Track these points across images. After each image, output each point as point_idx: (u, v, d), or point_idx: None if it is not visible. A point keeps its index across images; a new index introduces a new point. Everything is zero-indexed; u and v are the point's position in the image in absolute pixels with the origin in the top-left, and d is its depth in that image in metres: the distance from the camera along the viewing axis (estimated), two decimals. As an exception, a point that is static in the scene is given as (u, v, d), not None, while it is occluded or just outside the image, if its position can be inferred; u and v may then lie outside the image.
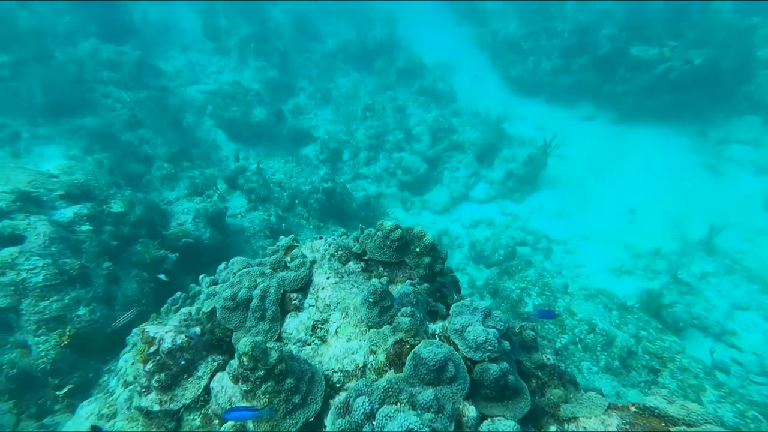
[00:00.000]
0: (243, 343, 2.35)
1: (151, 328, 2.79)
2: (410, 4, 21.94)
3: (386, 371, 2.56)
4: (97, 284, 5.42)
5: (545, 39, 16.21)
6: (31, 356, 4.73)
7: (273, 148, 12.98)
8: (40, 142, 9.69)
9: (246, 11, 17.39)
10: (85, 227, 5.81)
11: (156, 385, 2.64)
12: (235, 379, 2.45)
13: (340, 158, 13.24)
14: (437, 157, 13.68)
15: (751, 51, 13.78)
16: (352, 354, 2.78)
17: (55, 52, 11.78)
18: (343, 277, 3.44)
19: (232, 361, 2.49)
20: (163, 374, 2.64)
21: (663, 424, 2.20)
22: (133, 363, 3.03)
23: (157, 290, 6.14)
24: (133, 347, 4.01)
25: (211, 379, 2.74)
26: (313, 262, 3.56)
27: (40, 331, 4.75)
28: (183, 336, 2.74)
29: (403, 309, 2.85)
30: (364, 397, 2.15)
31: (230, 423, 2.37)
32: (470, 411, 2.31)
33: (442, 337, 2.79)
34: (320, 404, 2.50)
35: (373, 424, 2.07)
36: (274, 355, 2.38)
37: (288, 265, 3.50)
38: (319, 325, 3.09)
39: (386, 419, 2.02)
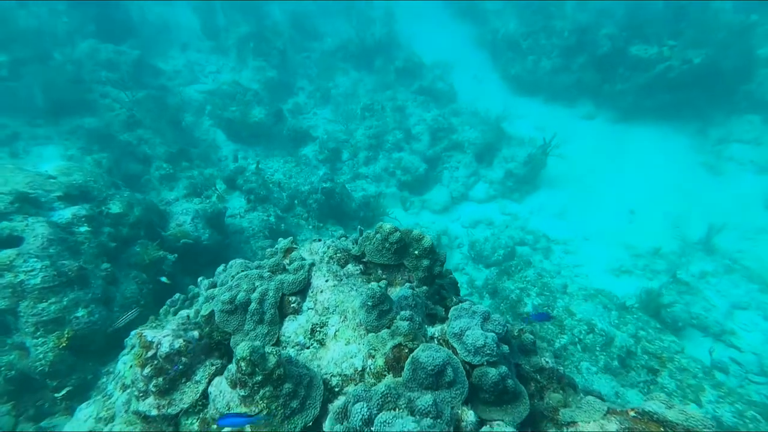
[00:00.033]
0: (241, 348, 2.34)
1: (148, 333, 2.78)
2: (409, 3, 21.89)
3: (385, 375, 2.56)
4: (96, 286, 5.41)
5: (545, 38, 16.19)
6: (29, 358, 4.73)
7: (272, 148, 12.96)
8: (39, 142, 9.68)
9: (245, 10, 17.36)
10: (84, 228, 5.80)
11: (154, 389, 2.63)
12: (233, 384, 2.45)
13: (340, 158, 13.22)
14: (437, 157, 13.66)
15: (751, 49, 13.77)
16: (351, 358, 2.77)
17: (54, 52, 11.76)
18: (341, 279, 3.43)
19: (230, 366, 2.49)
20: (161, 378, 2.63)
21: (662, 429, 2.19)
22: (131, 366, 3.02)
23: (155, 291, 6.13)
24: (131, 349, 4.00)
25: (209, 383, 2.73)
26: (312, 264, 3.55)
27: (39, 333, 4.74)
28: (181, 340, 2.74)
29: (402, 312, 2.84)
30: (362, 402, 2.14)
31: (227, 430, 2.36)
32: (469, 416, 2.31)
33: (440, 341, 2.78)
34: (319, 409, 2.49)
35: (371, 431, 2.07)
36: (272, 360, 2.38)
37: (287, 267, 3.49)
38: (318, 329, 3.08)
39: (384, 425, 2.01)
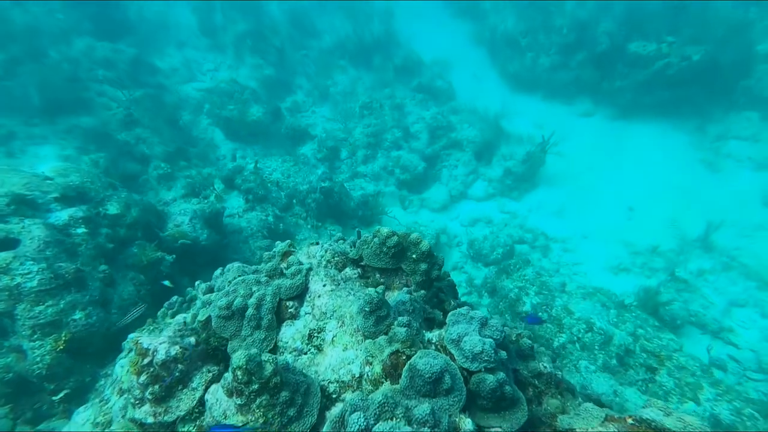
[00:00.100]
0: (237, 356, 2.33)
1: (145, 339, 2.76)
2: (408, 1, 21.78)
3: (382, 383, 2.55)
4: (93, 288, 5.39)
5: (543, 35, 16.13)
6: (26, 361, 4.71)
7: (270, 146, 12.92)
8: (35, 141, 9.61)
9: (243, 7, 17.24)
10: (81, 230, 5.77)
11: (150, 397, 2.62)
12: (230, 393, 2.44)
13: (338, 157, 13.18)
14: (435, 155, 13.63)
15: (750, 45, 13.74)
16: (349, 364, 2.76)
17: (50, 51, 11.67)
18: (339, 284, 3.42)
19: (226, 375, 2.48)
20: (157, 386, 2.62)
21: (660, 436, 2.19)
22: (128, 371, 3.01)
23: (153, 293, 6.12)
24: (128, 353, 3.99)
25: (205, 390, 2.72)
26: (310, 269, 3.53)
27: (36, 336, 4.72)
28: (177, 347, 2.72)
29: (400, 318, 2.83)
30: (359, 412, 2.13)
31: (221, 440, 2.35)
32: (467, 424, 2.30)
33: (438, 347, 2.77)
34: (316, 416, 2.48)
35: (368, 440, 2.06)
36: (268, 368, 2.36)
37: (284, 272, 3.47)
38: (316, 334, 3.07)
39: (382, 435, 2.01)
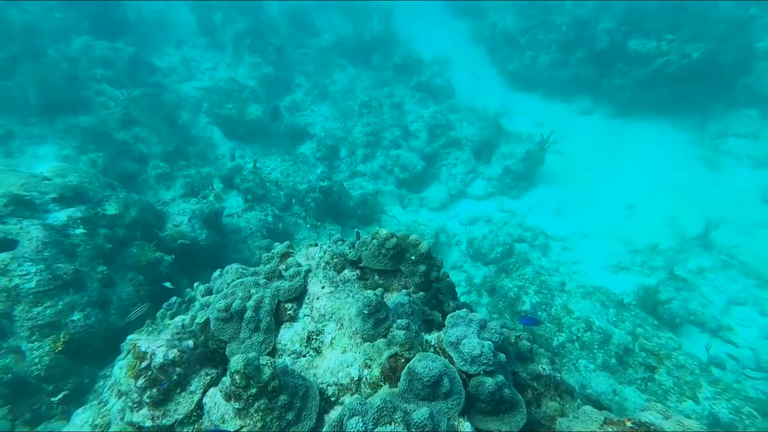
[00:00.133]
0: (235, 360, 2.32)
1: (142, 343, 2.76)
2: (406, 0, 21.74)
3: (381, 386, 2.54)
4: (92, 288, 5.38)
5: (543, 33, 16.09)
6: (25, 362, 4.71)
7: (269, 145, 12.89)
8: (34, 141, 9.61)
9: (241, 6, 17.20)
10: (79, 230, 5.76)
11: (148, 400, 2.61)
12: (228, 397, 2.43)
13: (337, 156, 13.16)
14: (435, 154, 13.62)
15: (749, 43, 13.73)
16: (347, 367, 2.76)
17: (48, 50, 11.64)
18: (338, 286, 3.41)
19: (224, 379, 2.47)
20: (155, 390, 2.62)
21: (659, 440, 2.18)
22: (126, 374, 3.00)
23: (153, 293, 6.11)
24: (127, 354, 3.98)
25: (204, 393, 2.71)
26: (308, 270, 3.52)
27: (34, 337, 4.72)
28: (175, 350, 2.71)
29: (398, 321, 2.82)
30: (357, 417, 2.12)
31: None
32: (465, 427, 2.29)
33: (437, 349, 2.77)
34: (315, 420, 2.47)
35: (366, 445, 2.06)
36: (267, 372, 2.36)
37: (283, 274, 3.46)
38: (314, 336, 3.06)
39: (380, 440, 2.00)
